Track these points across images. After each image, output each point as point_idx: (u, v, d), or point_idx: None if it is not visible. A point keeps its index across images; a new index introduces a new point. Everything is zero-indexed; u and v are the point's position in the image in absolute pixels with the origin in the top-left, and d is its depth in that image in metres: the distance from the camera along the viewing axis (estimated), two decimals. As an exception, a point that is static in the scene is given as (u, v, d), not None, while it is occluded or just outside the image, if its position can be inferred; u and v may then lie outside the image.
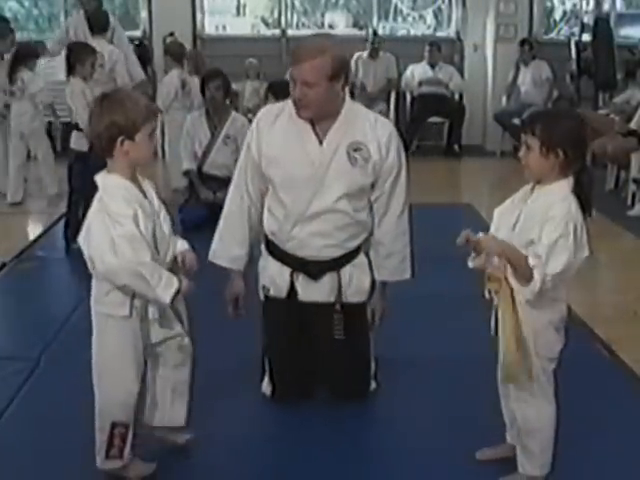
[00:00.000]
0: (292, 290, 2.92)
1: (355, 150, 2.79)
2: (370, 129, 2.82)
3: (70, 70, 5.11)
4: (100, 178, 2.42)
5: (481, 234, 2.32)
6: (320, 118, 2.78)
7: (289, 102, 2.86)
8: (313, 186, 2.79)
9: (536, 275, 2.21)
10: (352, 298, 2.95)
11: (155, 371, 2.64)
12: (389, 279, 3.01)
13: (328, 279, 2.90)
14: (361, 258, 2.96)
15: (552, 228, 2.23)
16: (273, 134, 2.85)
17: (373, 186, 2.86)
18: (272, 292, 2.96)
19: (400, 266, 2.98)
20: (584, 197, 2.34)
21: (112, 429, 2.49)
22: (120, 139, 2.37)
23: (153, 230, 2.41)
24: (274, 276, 2.95)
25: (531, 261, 2.22)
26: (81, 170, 5.02)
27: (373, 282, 3.00)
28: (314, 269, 2.88)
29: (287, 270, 2.91)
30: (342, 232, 2.86)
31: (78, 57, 5.09)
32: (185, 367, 2.66)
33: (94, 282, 2.48)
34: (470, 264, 2.39)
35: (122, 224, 2.32)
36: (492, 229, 2.44)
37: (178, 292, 2.41)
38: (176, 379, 2.66)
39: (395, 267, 2.98)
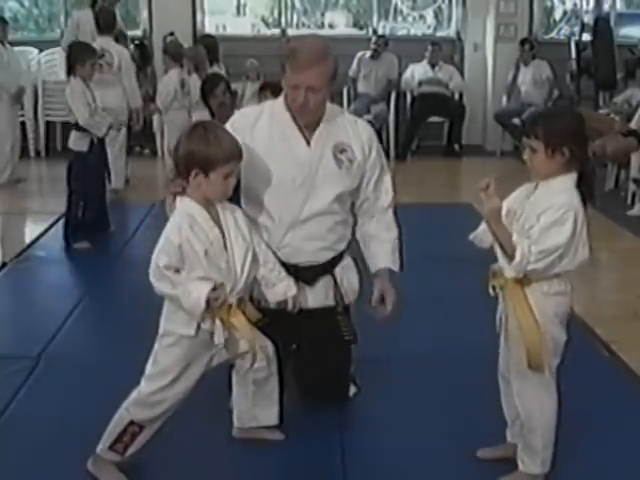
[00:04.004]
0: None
1: (341, 152, 2.78)
2: (352, 129, 2.83)
3: (70, 70, 5.11)
4: (178, 200, 2.44)
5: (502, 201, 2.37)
6: (317, 121, 2.78)
7: (266, 104, 2.89)
8: (304, 190, 2.75)
9: (518, 250, 2.28)
10: (345, 299, 2.92)
11: (236, 376, 2.72)
12: (385, 265, 2.89)
13: (322, 284, 2.86)
14: (348, 259, 2.93)
15: (549, 214, 2.30)
16: (254, 138, 2.75)
17: (358, 187, 2.85)
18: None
19: (391, 256, 2.90)
20: (587, 186, 2.38)
21: (127, 425, 2.50)
22: (194, 171, 2.37)
23: (209, 259, 2.39)
24: None
25: (514, 237, 2.31)
26: (80, 170, 5.02)
27: (361, 281, 2.97)
28: (309, 274, 2.82)
29: None
30: (333, 234, 2.83)
31: (78, 58, 5.09)
32: (260, 371, 2.67)
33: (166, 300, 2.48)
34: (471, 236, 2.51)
35: (168, 254, 2.35)
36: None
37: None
38: (255, 383, 2.69)
39: (387, 254, 2.90)
